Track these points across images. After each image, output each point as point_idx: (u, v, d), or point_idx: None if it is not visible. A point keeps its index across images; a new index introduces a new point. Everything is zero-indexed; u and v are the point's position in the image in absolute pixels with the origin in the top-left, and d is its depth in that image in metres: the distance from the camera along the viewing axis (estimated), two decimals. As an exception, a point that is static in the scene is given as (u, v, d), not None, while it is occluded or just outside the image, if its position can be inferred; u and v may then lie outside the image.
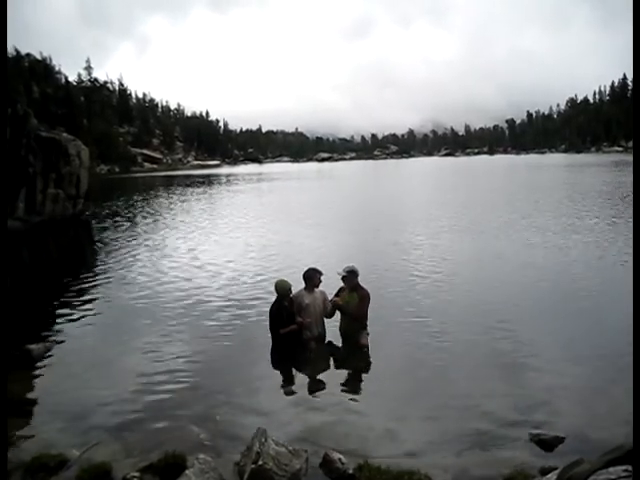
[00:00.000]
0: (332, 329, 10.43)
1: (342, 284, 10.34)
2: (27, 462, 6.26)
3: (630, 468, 3.70)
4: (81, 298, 14.14)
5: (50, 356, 10.01)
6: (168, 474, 5.90)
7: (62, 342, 10.79)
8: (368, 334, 10.11)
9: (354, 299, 10.07)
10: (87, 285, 15.57)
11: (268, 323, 9.98)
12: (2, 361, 8.58)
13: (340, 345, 10.17)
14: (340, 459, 6.09)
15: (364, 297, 10.10)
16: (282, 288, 9.96)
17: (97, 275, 16.93)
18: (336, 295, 10.30)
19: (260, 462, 5.69)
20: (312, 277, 10.20)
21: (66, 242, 22.24)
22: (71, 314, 12.72)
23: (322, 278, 10.28)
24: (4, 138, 18.80)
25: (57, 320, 12.28)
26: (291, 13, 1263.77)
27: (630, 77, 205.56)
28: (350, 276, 10.12)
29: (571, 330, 10.74)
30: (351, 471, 5.96)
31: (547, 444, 6.53)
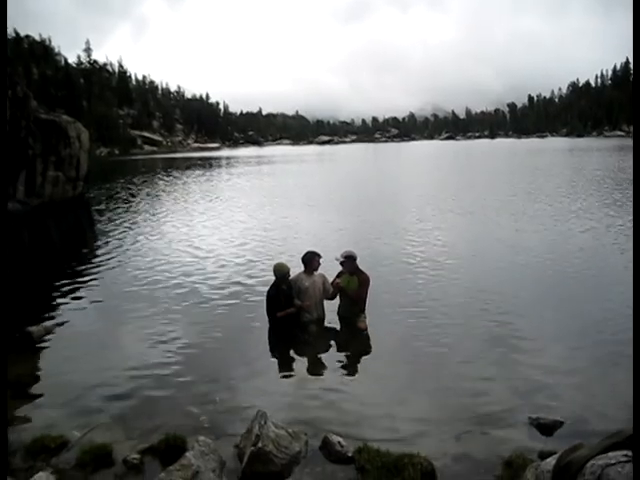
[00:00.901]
0: (331, 312, 10.45)
1: (341, 269, 10.36)
2: (28, 443, 6.28)
3: (629, 453, 3.70)
4: (81, 280, 14.13)
5: (50, 338, 10.01)
6: (168, 456, 5.91)
7: (62, 324, 10.80)
8: (366, 317, 10.13)
9: (354, 283, 10.09)
10: (87, 268, 15.55)
11: (265, 306, 10.00)
12: (2, 347, 8.59)
13: (339, 328, 10.19)
14: (339, 442, 6.11)
15: (364, 281, 10.11)
16: (280, 271, 9.96)
17: (97, 258, 16.92)
18: (336, 278, 10.32)
19: (260, 444, 5.71)
20: (311, 260, 10.20)
21: (66, 224, 22.26)
22: (71, 296, 12.73)
23: (321, 261, 10.30)
24: (4, 122, 18.72)
25: (57, 302, 12.28)
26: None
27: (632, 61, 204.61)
28: (348, 261, 10.16)
29: (571, 315, 10.73)
30: (350, 454, 5.98)
31: (546, 428, 6.54)
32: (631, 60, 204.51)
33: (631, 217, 20.34)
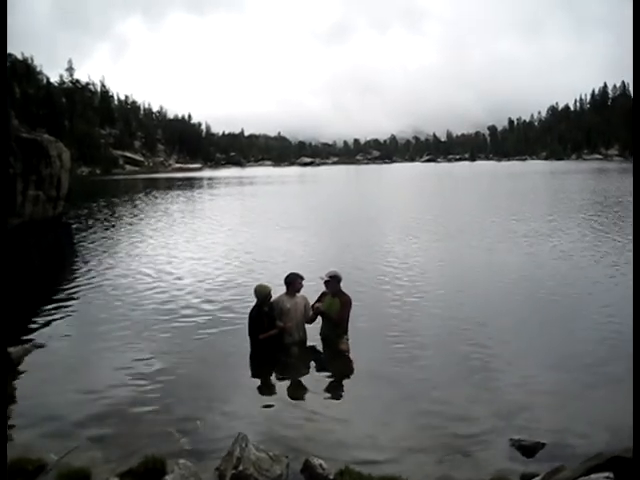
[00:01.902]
0: (313, 334, 10.42)
1: (324, 289, 10.36)
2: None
3: (611, 475, 3.71)
4: (61, 301, 14.01)
5: (29, 359, 9.91)
6: (148, 479, 5.85)
7: (41, 345, 10.67)
8: (348, 339, 10.13)
9: (336, 304, 10.08)
10: (67, 288, 15.43)
11: (247, 328, 9.96)
12: (3, 350, 8.49)
13: (321, 350, 10.16)
14: (321, 464, 6.07)
15: (346, 303, 10.11)
16: (261, 293, 9.93)
17: (77, 278, 16.79)
18: (318, 300, 10.32)
19: (241, 467, 5.67)
20: (293, 282, 10.19)
21: (46, 244, 22.10)
22: (51, 317, 12.61)
23: (303, 283, 10.29)
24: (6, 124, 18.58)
25: (37, 323, 12.15)
26: (269, 18, 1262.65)
27: (610, 86, 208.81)
28: (332, 281, 10.17)
29: (551, 339, 10.74)
30: (332, 477, 5.94)
31: (528, 450, 6.55)
32: (609, 84, 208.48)
33: (614, 237, 20.63)
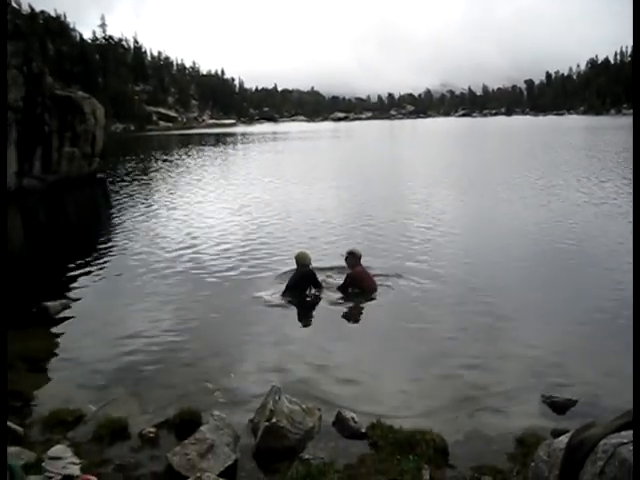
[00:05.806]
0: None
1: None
2: (45, 417, 6.38)
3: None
4: (97, 256, 14.22)
5: (67, 313, 10.12)
6: (183, 430, 5.98)
7: (78, 300, 10.89)
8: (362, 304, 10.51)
9: None
10: (103, 243, 15.63)
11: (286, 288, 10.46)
12: (3, 343, 8.66)
13: (353, 306, 10.25)
14: (353, 418, 6.15)
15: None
16: (302, 259, 10.60)
17: (112, 233, 17.00)
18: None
19: (274, 419, 5.75)
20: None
21: (82, 200, 22.38)
22: (87, 272, 12.82)
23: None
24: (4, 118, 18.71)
25: (74, 278, 12.37)
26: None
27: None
28: (351, 257, 10.92)
29: (583, 294, 10.68)
30: (364, 430, 6.03)
31: (559, 406, 6.55)
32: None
33: None
